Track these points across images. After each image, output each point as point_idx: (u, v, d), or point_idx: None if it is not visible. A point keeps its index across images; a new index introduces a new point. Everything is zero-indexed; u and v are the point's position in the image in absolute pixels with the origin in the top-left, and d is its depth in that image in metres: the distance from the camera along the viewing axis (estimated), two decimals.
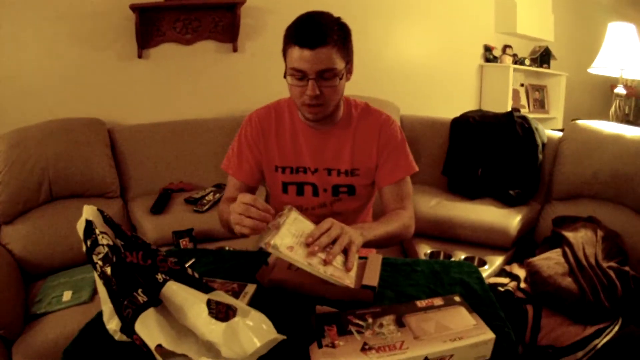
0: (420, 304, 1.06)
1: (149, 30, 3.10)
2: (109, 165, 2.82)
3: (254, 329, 0.91)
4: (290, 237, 1.18)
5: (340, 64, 1.45)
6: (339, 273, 1.17)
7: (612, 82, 4.13)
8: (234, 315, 0.93)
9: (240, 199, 1.25)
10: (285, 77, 1.49)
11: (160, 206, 2.72)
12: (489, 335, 0.96)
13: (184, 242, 2.47)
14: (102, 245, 0.98)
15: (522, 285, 2.08)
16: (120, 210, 2.80)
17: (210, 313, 0.92)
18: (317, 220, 1.28)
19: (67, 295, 2.18)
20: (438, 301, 1.07)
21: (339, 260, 1.20)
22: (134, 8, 2.91)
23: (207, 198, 2.79)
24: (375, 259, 1.32)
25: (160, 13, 3.09)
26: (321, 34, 1.39)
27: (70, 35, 2.94)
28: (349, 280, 1.17)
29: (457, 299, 1.07)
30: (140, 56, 3.11)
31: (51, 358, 1.90)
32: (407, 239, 1.69)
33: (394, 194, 1.64)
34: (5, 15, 2.78)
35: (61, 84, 2.98)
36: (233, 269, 1.38)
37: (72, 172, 2.65)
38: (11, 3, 2.77)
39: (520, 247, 2.64)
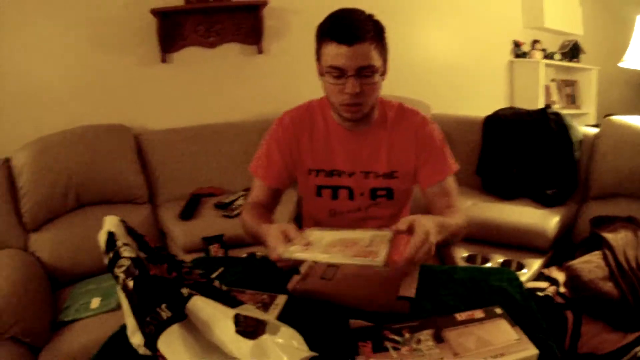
0: (460, 316, 1.00)
1: (171, 34, 3.10)
2: (136, 171, 2.82)
3: (284, 347, 0.87)
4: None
5: (378, 61, 1.40)
6: (365, 253, 1.03)
7: None
8: (263, 331, 0.89)
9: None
10: (321, 75, 1.45)
11: (189, 211, 2.71)
12: (532, 350, 0.90)
13: (215, 249, 2.44)
14: (125, 257, 0.95)
15: (562, 289, 2.01)
16: (149, 216, 2.79)
17: (238, 329, 0.87)
18: (349, 225, 1.21)
19: (95, 302, 2.17)
20: (479, 313, 1.01)
21: (366, 239, 1.11)
22: (155, 13, 2.91)
23: (236, 202, 2.77)
24: (413, 267, 1.26)
25: (181, 17, 3.09)
26: (359, 30, 1.35)
27: (93, 42, 2.95)
28: (379, 258, 1.00)
29: (498, 310, 1.02)
30: (164, 60, 3.11)
31: None
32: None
33: (438, 192, 1.58)
34: (27, 24, 2.79)
35: (85, 91, 2.99)
36: (263, 278, 1.33)
37: (98, 179, 2.66)
38: (32, 11, 2.79)
39: (558, 249, 2.56)
